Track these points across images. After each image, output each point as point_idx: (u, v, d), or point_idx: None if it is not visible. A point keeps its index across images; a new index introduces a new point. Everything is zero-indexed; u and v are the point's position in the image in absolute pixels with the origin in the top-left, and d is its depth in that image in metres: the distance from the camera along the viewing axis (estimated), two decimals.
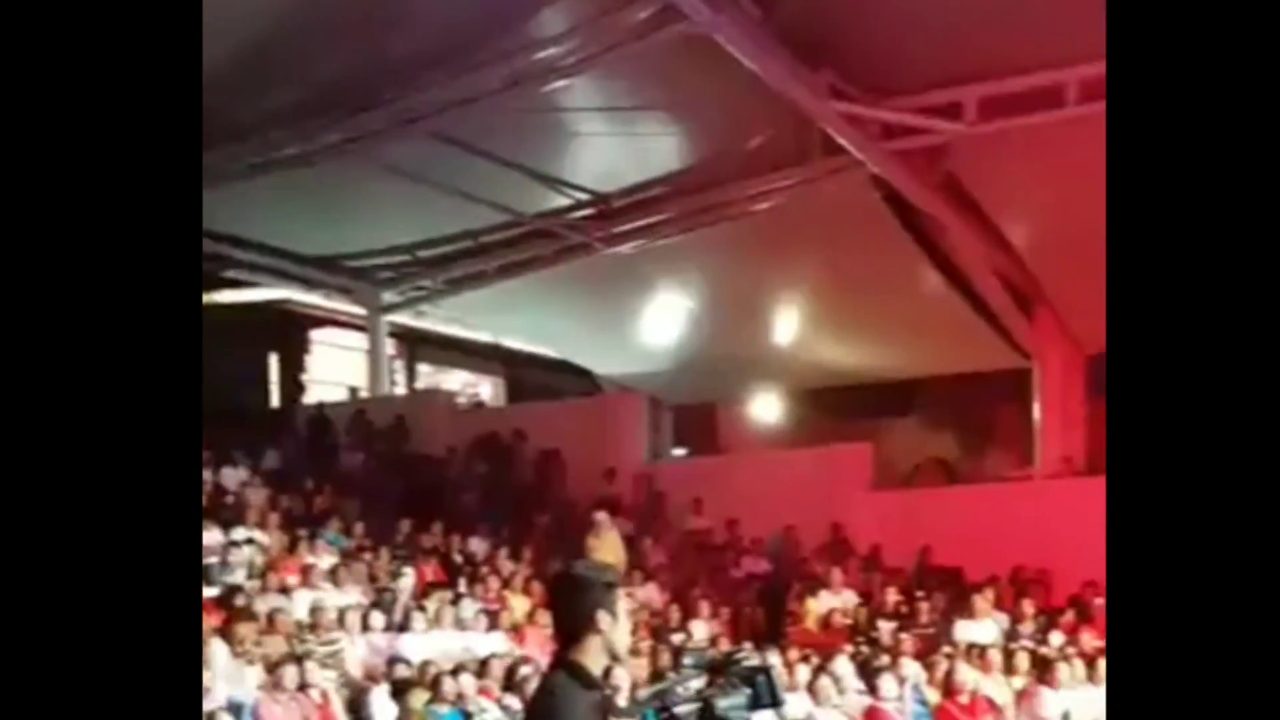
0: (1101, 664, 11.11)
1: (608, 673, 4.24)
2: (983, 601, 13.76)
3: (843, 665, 10.73)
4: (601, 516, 15.05)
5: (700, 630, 13.26)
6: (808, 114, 14.12)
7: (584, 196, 16.88)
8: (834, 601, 14.17)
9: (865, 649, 12.46)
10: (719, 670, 4.19)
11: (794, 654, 11.46)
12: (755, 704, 4.15)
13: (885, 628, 13.14)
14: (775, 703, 4.18)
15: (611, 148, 15.74)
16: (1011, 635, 13.32)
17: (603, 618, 3.95)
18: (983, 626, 13.30)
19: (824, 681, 10.13)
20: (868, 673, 10.33)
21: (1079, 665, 11.14)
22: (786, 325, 18.77)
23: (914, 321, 18.07)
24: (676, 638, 12.71)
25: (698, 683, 4.19)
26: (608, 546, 14.39)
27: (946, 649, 12.18)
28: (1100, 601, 13.92)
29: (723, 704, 4.09)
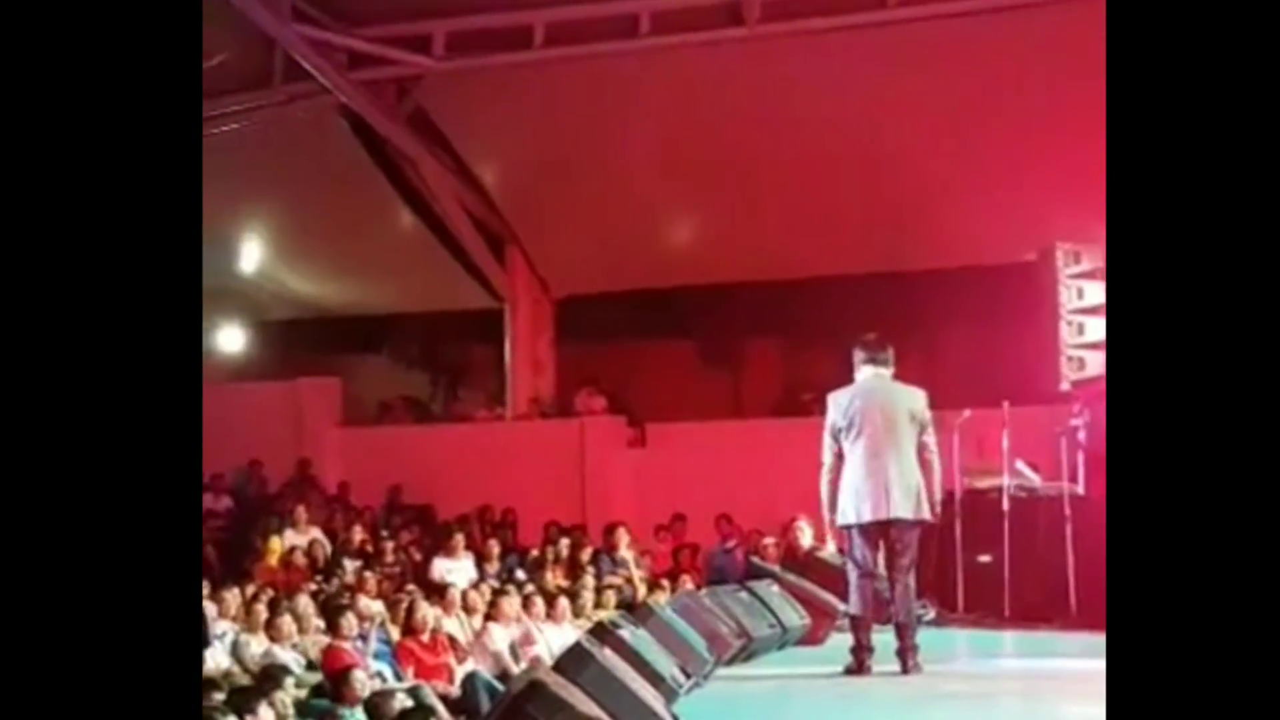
0: (562, 602, 11.32)
1: None
2: (458, 540, 13.78)
3: (304, 603, 10.42)
4: None
5: None
6: (270, 35, 13.62)
7: None
8: (299, 539, 13.83)
9: (328, 587, 12.22)
10: None
11: (252, 591, 11.07)
12: None
13: (350, 566, 12.94)
14: None
15: None
16: (480, 574, 13.40)
17: None
18: (459, 565, 13.33)
19: (284, 619, 9.79)
20: (329, 611, 10.07)
21: (539, 602, 11.27)
22: (250, 254, 18.19)
23: (385, 257, 17.91)
24: None
25: None
26: None
27: (410, 587, 12.11)
28: (566, 541, 14.28)
29: None
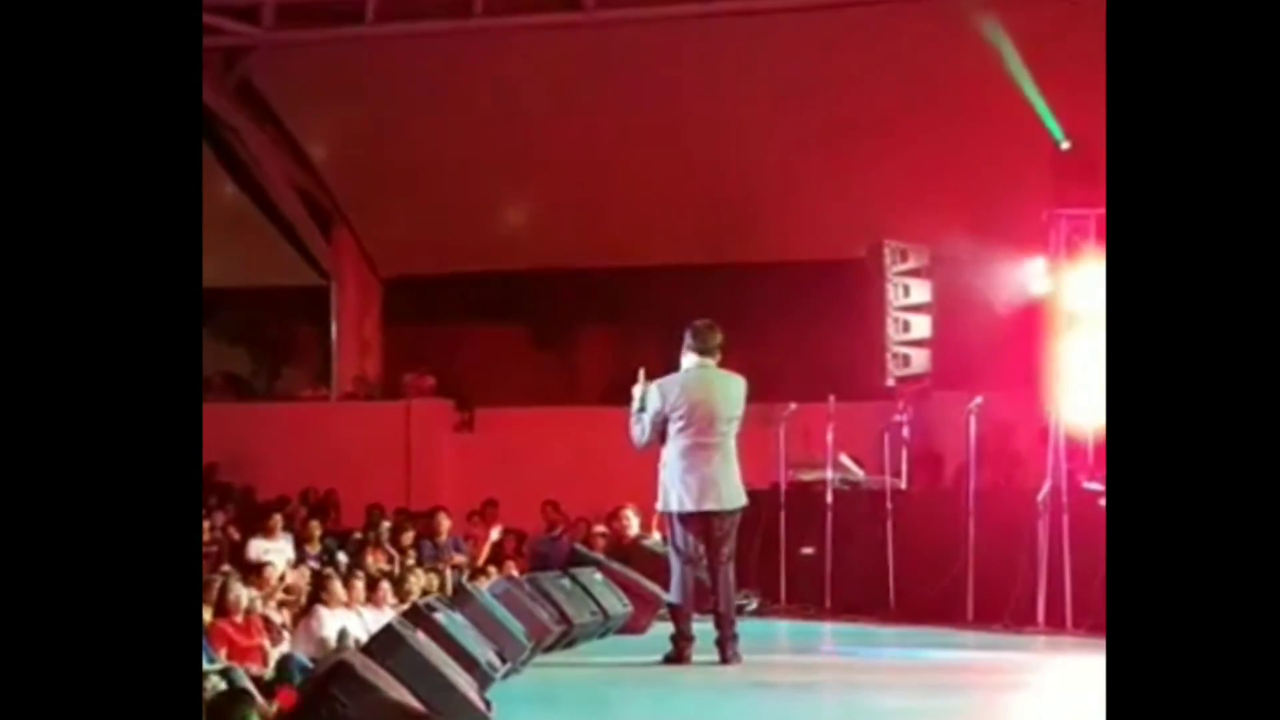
0: (384, 585, 11.17)
1: None
2: (276, 520, 13.54)
3: None
4: None
5: None
6: None
7: None
8: None
9: None
10: None
11: None
12: None
13: None
14: None
15: None
16: (300, 556, 13.18)
17: None
18: (277, 546, 13.09)
19: None
20: None
21: (359, 585, 11.10)
22: None
23: (208, 230, 17.32)
24: None
25: None
26: None
27: (225, 568, 11.84)
28: (387, 524, 14.11)
29: None
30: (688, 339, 8.77)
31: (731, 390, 8.74)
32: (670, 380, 8.74)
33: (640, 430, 8.75)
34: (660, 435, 8.67)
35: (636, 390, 8.80)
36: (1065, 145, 12.90)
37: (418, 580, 11.95)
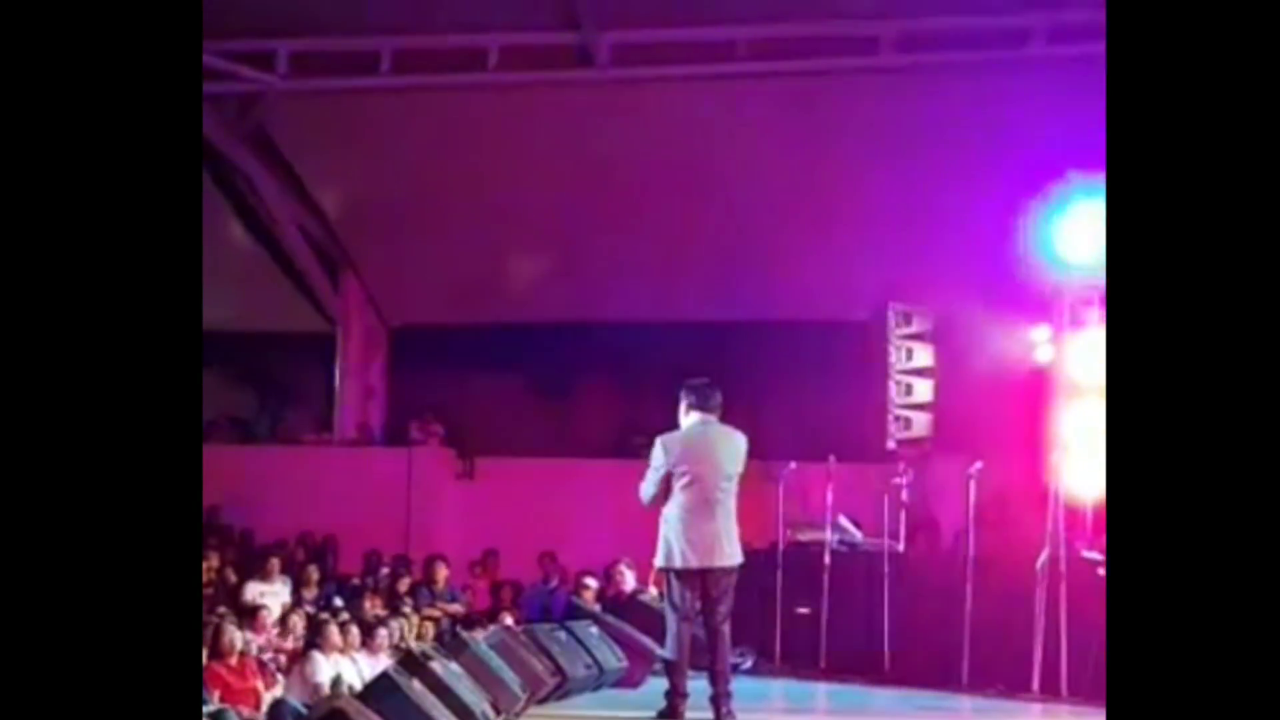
0: (381, 632, 11.16)
1: None
2: (274, 564, 13.55)
3: None
4: None
5: None
6: None
7: None
8: None
9: None
10: None
11: None
12: None
13: None
14: None
15: None
16: (296, 599, 13.17)
17: None
18: (273, 589, 13.09)
19: None
20: None
21: (354, 631, 11.10)
22: None
23: (215, 273, 17.46)
24: None
25: None
26: None
27: (221, 609, 11.83)
28: (386, 570, 14.10)
29: None
30: (687, 397, 8.80)
31: (734, 446, 8.77)
32: (674, 436, 8.76)
33: (645, 486, 8.77)
34: (664, 491, 8.69)
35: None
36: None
37: (403, 627, 11.95)
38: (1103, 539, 10.88)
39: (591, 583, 13.16)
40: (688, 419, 8.78)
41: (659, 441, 8.76)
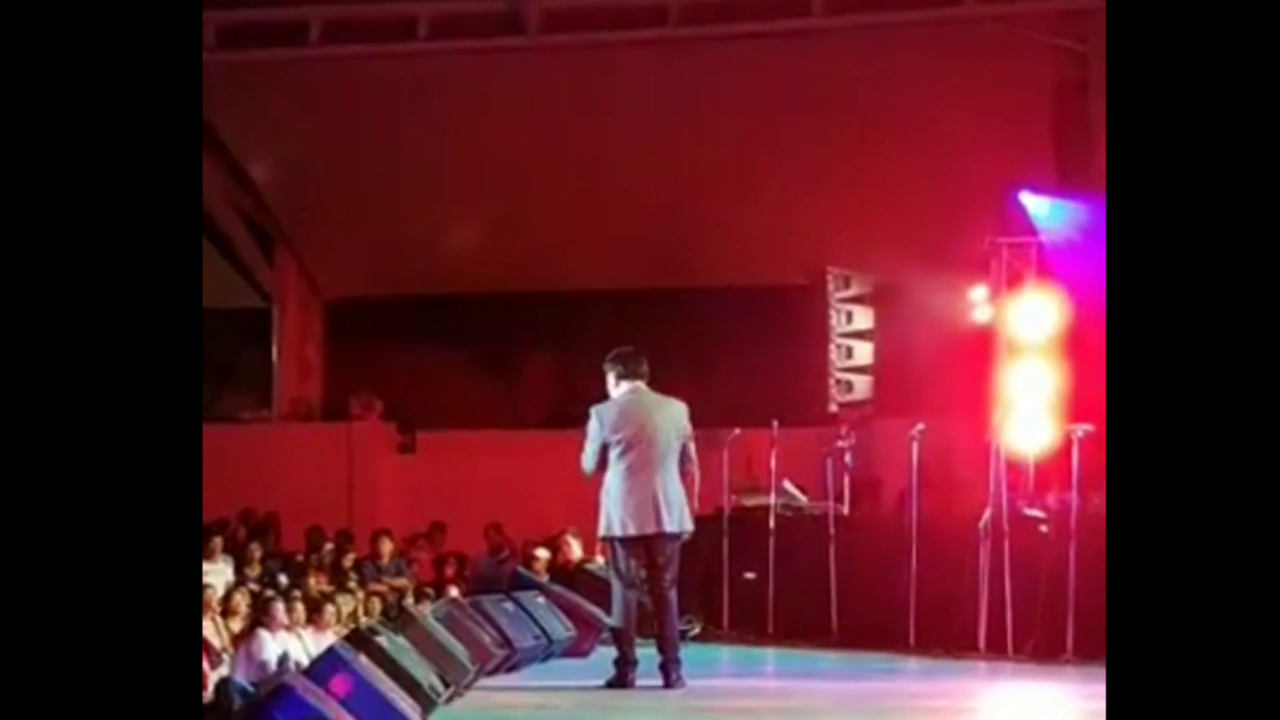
0: (328, 609, 11.11)
1: None
2: (216, 543, 13.46)
3: None
4: None
5: None
6: None
7: None
8: None
9: None
10: None
11: None
12: None
13: None
14: None
15: None
16: (240, 578, 13.09)
17: None
18: (216, 568, 13.01)
19: None
20: None
21: (300, 609, 11.04)
22: None
23: None
24: None
25: None
26: None
27: None
28: (330, 546, 14.01)
29: None
30: (614, 367, 8.77)
31: (670, 413, 8.75)
32: (607, 406, 8.74)
33: (584, 458, 8.76)
34: (603, 461, 8.67)
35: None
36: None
37: (349, 603, 11.89)
38: (1044, 497, 10.98)
39: (543, 553, 13.14)
40: (618, 389, 8.77)
41: (593, 412, 8.75)
